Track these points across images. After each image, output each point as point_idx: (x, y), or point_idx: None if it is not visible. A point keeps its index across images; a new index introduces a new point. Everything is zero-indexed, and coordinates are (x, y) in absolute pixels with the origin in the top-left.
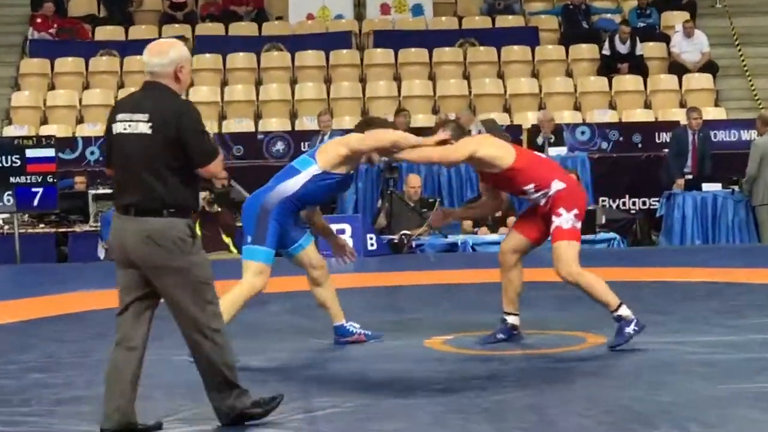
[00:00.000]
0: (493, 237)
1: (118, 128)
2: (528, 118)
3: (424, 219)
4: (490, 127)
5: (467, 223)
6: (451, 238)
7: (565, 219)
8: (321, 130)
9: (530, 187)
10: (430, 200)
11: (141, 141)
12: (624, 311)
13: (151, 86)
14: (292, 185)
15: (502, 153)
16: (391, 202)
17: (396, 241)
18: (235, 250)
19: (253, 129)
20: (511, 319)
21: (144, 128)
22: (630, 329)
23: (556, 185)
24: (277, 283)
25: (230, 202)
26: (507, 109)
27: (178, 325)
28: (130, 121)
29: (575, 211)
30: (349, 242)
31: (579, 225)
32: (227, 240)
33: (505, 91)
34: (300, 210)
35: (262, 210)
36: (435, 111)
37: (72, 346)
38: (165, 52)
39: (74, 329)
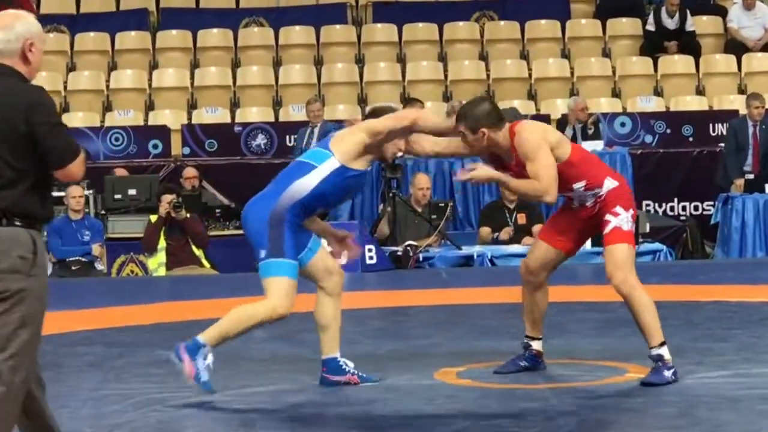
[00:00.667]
0: (516, 248)
1: None
2: (557, 107)
3: (434, 227)
4: (512, 118)
5: (485, 231)
6: (465, 250)
7: (624, 219)
8: (310, 121)
9: (581, 184)
10: (441, 205)
11: None
12: (666, 353)
13: None
14: (306, 184)
15: (564, 143)
16: (394, 207)
17: (400, 253)
18: (207, 264)
19: (228, 120)
20: (536, 345)
21: None
22: (669, 374)
23: (609, 183)
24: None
25: (201, 207)
26: (532, 96)
27: None
28: None
29: (631, 212)
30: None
31: (634, 229)
32: (198, 252)
33: (530, 75)
34: (314, 212)
35: (273, 217)
36: (446, 98)
37: None
38: (10, 25)
39: None
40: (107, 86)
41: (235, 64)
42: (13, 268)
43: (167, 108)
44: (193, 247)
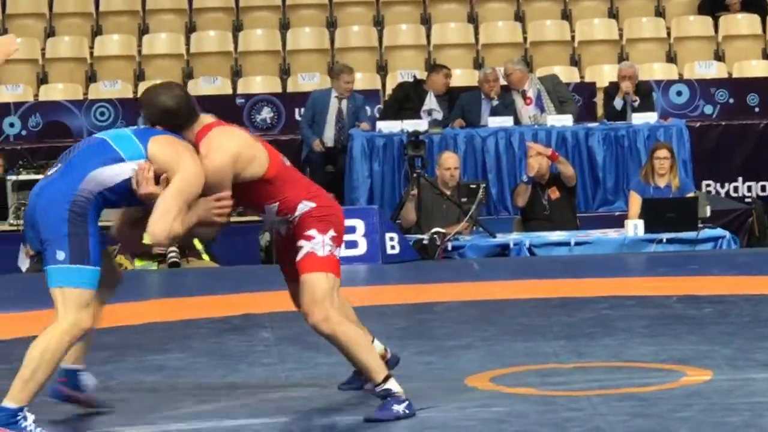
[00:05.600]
0: (558, 236)
1: None
2: (604, 74)
3: (464, 212)
4: (553, 86)
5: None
6: (500, 238)
7: (319, 243)
8: (340, 95)
9: (273, 205)
10: (472, 186)
11: None
12: (394, 386)
13: None
14: (112, 175)
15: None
16: (419, 190)
17: (426, 242)
18: (206, 257)
19: (229, 91)
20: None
21: None
22: (401, 408)
23: (303, 206)
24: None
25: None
26: (575, 62)
27: None
28: None
29: (331, 234)
30: (362, 243)
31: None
32: (199, 246)
33: (573, 38)
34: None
35: (74, 210)
36: (478, 65)
37: None
38: None
39: None
40: (91, 54)
41: (237, 28)
42: None
43: (160, 77)
44: (194, 240)
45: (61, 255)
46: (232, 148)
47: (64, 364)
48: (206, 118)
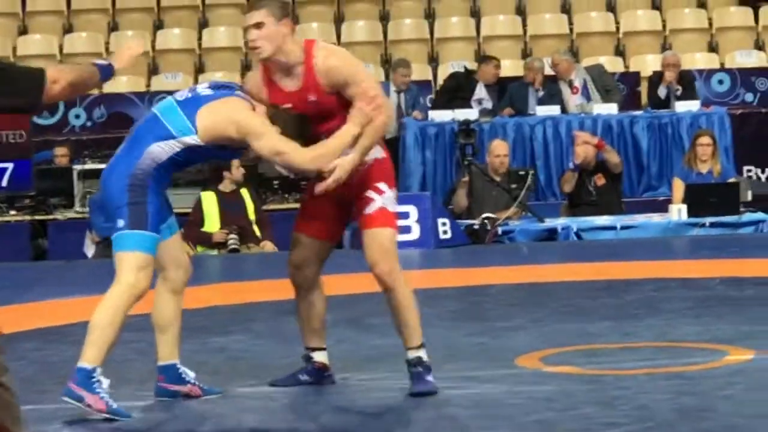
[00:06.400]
0: (605, 220)
1: None
2: (647, 63)
3: (514, 198)
4: (598, 76)
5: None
6: (548, 223)
7: (389, 199)
8: (398, 88)
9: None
10: (521, 173)
11: None
12: (425, 355)
13: None
14: (162, 151)
15: None
16: (470, 177)
17: (477, 227)
18: (268, 244)
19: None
20: (319, 356)
21: None
22: (432, 378)
23: (378, 150)
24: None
25: (257, 179)
26: (620, 52)
27: None
28: None
29: (395, 192)
30: (415, 229)
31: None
32: (258, 232)
33: (618, 28)
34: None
35: (133, 182)
36: (525, 55)
37: (54, 368)
38: None
39: (54, 348)
40: (153, 47)
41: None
42: None
43: (219, 70)
44: (255, 226)
45: (120, 222)
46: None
47: (159, 362)
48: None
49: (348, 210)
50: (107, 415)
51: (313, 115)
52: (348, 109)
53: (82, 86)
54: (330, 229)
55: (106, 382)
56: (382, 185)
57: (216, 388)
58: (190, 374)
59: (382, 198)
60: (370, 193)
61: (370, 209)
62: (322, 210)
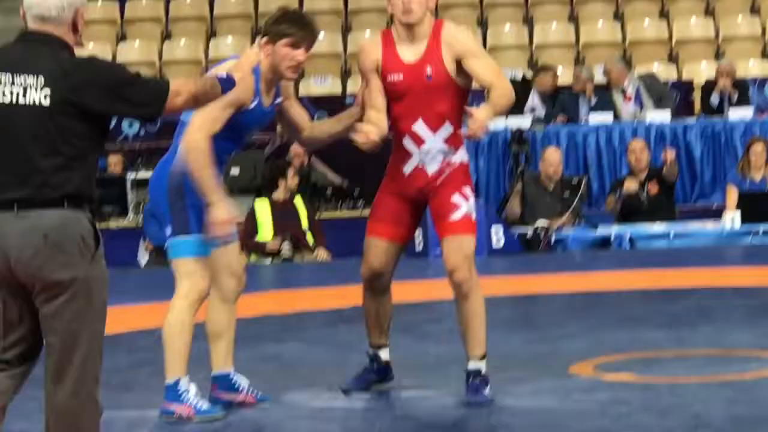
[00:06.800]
0: (658, 228)
1: None
2: (701, 71)
3: (567, 205)
4: (651, 84)
5: (610, 199)
6: (602, 230)
7: (473, 207)
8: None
9: (447, 130)
10: (574, 181)
11: (32, 113)
12: (485, 368)
13: (41, 37)
14: None
15: None
16: (523, 184)
17: (530, 234)
18: (321, 253)
19: (339, 90)
20: (384, 354)
21: (37, 96)
22: (488, 391)
23: (463, 152)
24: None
25: (310, 188)
26: (673, 59)
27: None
28: (13, 84)
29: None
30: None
31: None
32: (311, 240)
33: (671, 36)
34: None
35: (172, 184)
36: (578, 63)
37: (108, 376)
38: None
39: (108, 356)
40: (206, 55)
41: (346, 29)
42: (75, 253)
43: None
44: (308, 234)
45: (168, 230)
46: None
47: (213, 371)
48: None
49: (421, 211)
50: (197, 420)
51: (418, 97)
52: (456, 99)
53: (203, 99)
54: (405, 232)
55: (193, 388)
56: (467, 190)
57: (268, 396)
58: (244, 382)
59: (468, 204)
60: (457, 198)
61: (457, 215)
62: (396, 212)
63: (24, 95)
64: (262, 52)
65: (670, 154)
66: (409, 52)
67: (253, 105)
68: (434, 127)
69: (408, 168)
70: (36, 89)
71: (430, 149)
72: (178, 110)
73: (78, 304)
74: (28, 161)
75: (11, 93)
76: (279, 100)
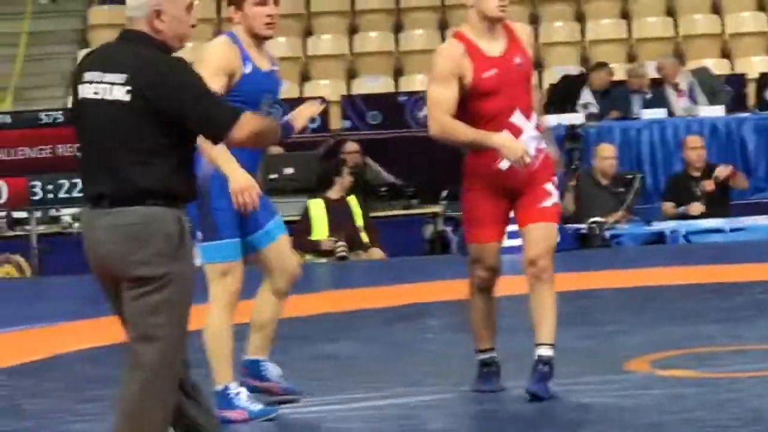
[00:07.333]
0: (713, 223)
1: (85, 92)
2: (754, 65)
3: (621, 201)
4: (704, 79)
5: (668, 206)
6: (656, 226)
7: (558, 194)
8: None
9: (534, 121)
10: (629, 176)
11: (116, 110)
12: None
13: (130, 36)
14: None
15: None
16: (577, 181)
17: (585, 231)
18: (376, 253)
19: (392, 89)
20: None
21: (120, 93)
22: (552, 384)
23: None
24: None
25: (365, 188)
26: (726, 54)
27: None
28: (101, 82)
29: None
30: None
31: None
32: (366, 239)
33: (723, 30)
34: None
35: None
36: (630, 59)
37: None
38: None
39: None
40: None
41: (398, 28)
42: (158, 250)
43: (324, 78)
44: (362, 233)
45: (199, 235)
46: None
47: (246, 356)
48: None
49: (510, 204)
50: (252, 421)
51: (513, 89)
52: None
53: (262, 139)
54: (503, 229)
55: (244, 392)
56: (555, 179)
57: (297, 387)
58: (274, 372)
59: (557, 194)
60: (549, 186)
61: (548, 202)
62: (494, 212)
63: (110, 92)
64: (234, 20)
65: (724, 172)
66: (493, 48)
67: (249, 69)
68: (528, 116)
69: (505, 163)
70: (120, 86)
71: (527, 139)
72: (235, 143)
73: (156, 300)
74: (112, 157)
75: (101, 90)
76: (276, 66)
